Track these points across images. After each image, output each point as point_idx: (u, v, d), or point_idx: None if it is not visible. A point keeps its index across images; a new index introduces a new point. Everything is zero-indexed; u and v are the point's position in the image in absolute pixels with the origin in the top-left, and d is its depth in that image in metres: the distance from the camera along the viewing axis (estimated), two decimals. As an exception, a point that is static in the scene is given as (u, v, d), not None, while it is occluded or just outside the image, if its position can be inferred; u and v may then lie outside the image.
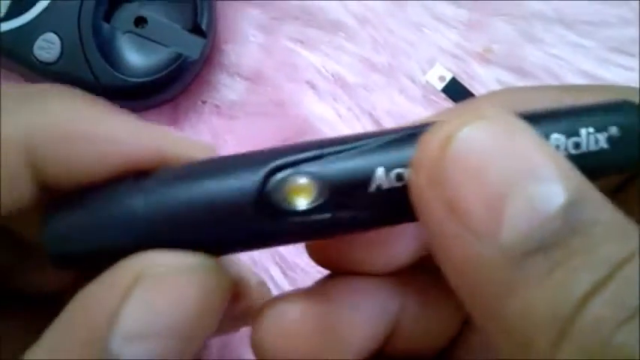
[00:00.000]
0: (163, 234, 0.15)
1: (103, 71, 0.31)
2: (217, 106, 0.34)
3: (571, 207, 0.13)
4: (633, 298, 0.12)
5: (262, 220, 0.15)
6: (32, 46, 0.31)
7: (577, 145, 0.15)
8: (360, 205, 0.15)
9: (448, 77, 0.34)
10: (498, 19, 0.34)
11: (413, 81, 0.34)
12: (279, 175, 0.15)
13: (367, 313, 0.18)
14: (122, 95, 0.32)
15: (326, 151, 0.15)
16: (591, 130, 0.15)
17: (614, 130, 0.15)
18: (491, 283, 0.13)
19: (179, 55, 0.32)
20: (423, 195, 0.14)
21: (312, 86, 0.34)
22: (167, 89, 0.32)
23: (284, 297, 0.18)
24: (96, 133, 0.16)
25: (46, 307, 0.18)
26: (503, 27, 0.34)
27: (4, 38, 0.31)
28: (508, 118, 0.14)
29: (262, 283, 0.25)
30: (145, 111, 0.34)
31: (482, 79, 0.34)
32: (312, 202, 0.15)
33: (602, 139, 0.15)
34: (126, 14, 0.32)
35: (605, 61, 0.34)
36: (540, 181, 0.13)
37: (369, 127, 0.34)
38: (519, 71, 0.34)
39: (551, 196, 0.13)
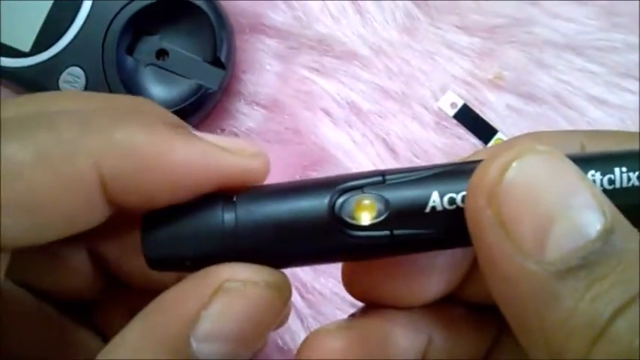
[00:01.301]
0: (248, 246, 0.17)
1: (127, 103, 0.32)
2: (235, 134, 0.35)
3: (607, 233, 0.15)
4: None
5: (332, 234, 0.17)
6: (57, 80, 0.32)
7: (611, 182, 0.17)
8: (416, 225, 0.17)
9: (460, 104, 0.35)
10: (510, 46, 0.35)
11: (425, 108, 0.35)
12: (348, 195, 0.17)
13: (400, 344, 0.20)
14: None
15: (388, 177, 0.17)
16: (624, 169, 0.17)
17: None
18: (536, 296, 0.15)
19: (199, 87, 0.33)
20: (479, 214, 0.16)
21: (328, 113, 0.35)
22: (188, 119, 0.33)
23: (326, 328, 0.20)
24: (165, 161, 0.17)
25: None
26: (514, 54, 0.35)
27: (30, 72, 0.32)
28: (557, 154, 0.16)
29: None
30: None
31: (492, 105, 0.35)
32: (374, 218, 0.17)
33: (633, 177, 0.17)
34: (148, 47, 0.33)
35: (614, 85, 0.35)
36: (582, 209, 0.15)
37: (382, 153, 0.35)
38: (529, 97, 0.35)
39: (591, 222, 0.15)
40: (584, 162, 0.17)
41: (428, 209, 0.17)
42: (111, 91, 0.32)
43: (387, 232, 0.17)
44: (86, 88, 0.32)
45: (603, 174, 0.17)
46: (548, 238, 0.15)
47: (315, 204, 0.17)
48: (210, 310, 0.16)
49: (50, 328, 0.22)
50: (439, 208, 0.17)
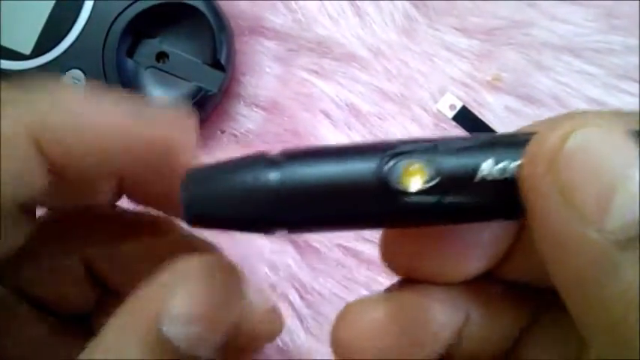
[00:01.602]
0: (292, 207, 0.17)
1: (127, 106, 0.32)
2: (235, 136, 0.36)
3: None
4: None
5: (379, 197, 0.17)
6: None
7: None
8: (466, 193, 0.17)
9: (459, 106, 0.35)
10: (508, 48, 0.35)
11: (424, 110, 0.35)
12: (398, 159, 0.17)
13: (438, 319, 0.20)
14: (145, 128, 0.33)
15: (440, 142, 0.17)
16: None
17: None
18: (596, 265, 0.15)
19: (199, 89, 0.33)
20: (538, 181, 0.15)
21: (327, 115, 0.35)
22: (188, 121, 0.33)
23: (364, 300, 0.20)
24: (100, 124, 0.18)
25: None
26: (512, 56, 0.35)
27: (30, 76, 0.32)
28: (617, 127, 0.16)
29: (273, 310, 0.25)
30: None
31: (491, 107, 0.35)
32: (424, 184, 0.16)
33: None
34: (148, 50, 0.33)
35: (612, 87, 0.35)
36: None
37: (382, 154, 0.35)
38: (528, 98, 0.35)
39: None
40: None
41: (478, 178, 0.16)
42: (111, 94, 0.32)
43: (435, 199, 0.17)
44: (87, 91, 0.32)
45: None
46: (609, 206, 0.15)
47: (363, 166, 0.17)
48: (176, 296, 0.17)
49: (46, 336, 0.23)
50: (490, 177, 0.16)
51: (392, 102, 0.35)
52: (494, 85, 0.35)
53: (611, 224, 0.14)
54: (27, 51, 0.32)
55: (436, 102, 0.35)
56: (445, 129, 0.35)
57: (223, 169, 0.17)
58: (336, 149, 0.17)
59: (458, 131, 0.35)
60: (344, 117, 0.35)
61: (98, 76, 0.32)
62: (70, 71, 0.32)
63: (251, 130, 0.36)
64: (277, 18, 0.36)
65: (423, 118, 0.35)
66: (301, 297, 0.34)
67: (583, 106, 0.35)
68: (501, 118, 0.35)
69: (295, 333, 0.34)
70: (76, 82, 0.32)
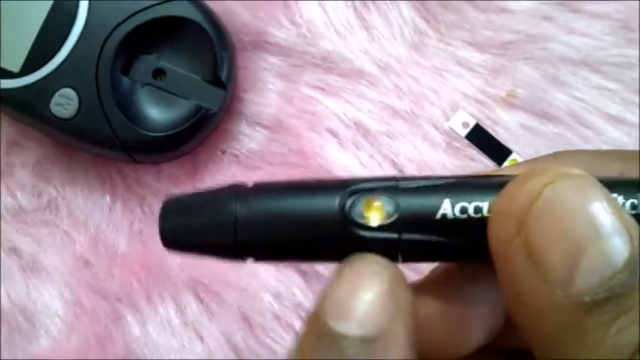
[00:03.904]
0: (255, 240, 0.18)
1: (122, 126, 0.30)
2: (237, 156, 0.34)
3: (634, 261, 0.14)
4: None
5: (340, 231, 0.17)
6: (49, 102, 0.30)
7: (634, 207, 0.17)
8: (425, 231, 0.17)
9: (472, 123, 0.34)
10: (523, 62, 0.34)
11: (436, 128, 0.34)
12: (359, 195, 0.17)
13: None
14: (141, 150, 0.31)
15: (400, 182, 0.17)
16: None
17: None
18: (562, 327, 0.14)
19: (199, 107, 0.31)
20: (506, 242, 0.15)
21: (334, 134, 0.34)
22: (187, 142, 0.32)
23: None
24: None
25: None
26: (527, 71, 0.34)
27: (20, 94, 0.30)
28: (589, 179, 0.15)
29: None
30: (163, 163, 0.33)
31: (506, 125, 0.34)
32: (383, 220, 0.17)
33: None
34: (144, 66, 0.31)
35: (631, 103, 0.34)
36: (611, 236, 0.14)
37: (391, 175, 0.33)
38: (544, 115, 0.34)
39: (619, 250, 0.14)
40: (611, 185, 0.17)
41: (438, 216, 0.17)
42: (105, 114, 0.30)
43: (394, 235, 0.17)
44: (79, 111, 0.30)
45: (626, 198, 0.17)
46: (577, 268, 0.14)
47: (326, 201, 0.17)
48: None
49: None
50: (450, 216, 0.17)
51: (402, 120, 0.34)
52: (509, 102, 0.34)
53: (578, 287, 0.14)
54: (16, 69, 0.30)
55: (448, 120, 0.34)
56: (458, 148, 0.33)
57: (196, 200, 0.18)
58: (304, 184, 0.18)
59: (471, 150, 0.33)
60: (351, 136, 0.34)
61: (91, 95, 0.30)
62: (61, 90, 0.30)
63: (254, 151, 0.34)
64: (281, 32, 0.34)
65: (435, 136, 0.34)
66: (305, 296, 0.33)
67: (602, 123, 0.34)
68: (517, 137, 0.34)
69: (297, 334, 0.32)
70: (68, 101, 0.30)
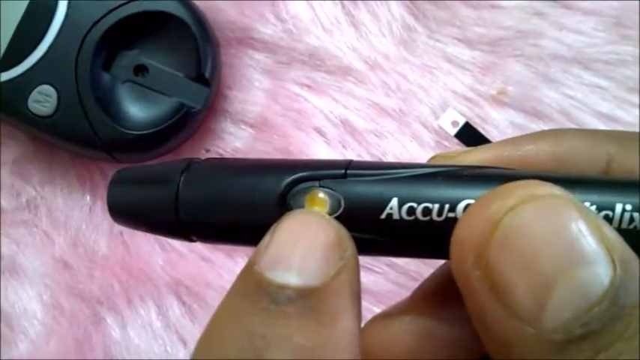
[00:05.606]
0: (199, 217, 0.17)
1: (102, 124, 0.29)
2: (221, 155, 0.33)
3: (615, 289, 0.13)
4: None
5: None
6: (27, 99, 0.29)
7: (608, 220, 0.15)
8: (369, 230, 0.16)
9: (461, 122, 0.33)
10: (514, 60, 0.33)
11: (425, 126, 0.33)
12: (302, 185, 0.16)
13: None
14: (122, 148, 0.30)
15: (350, 171, 0.16)
16: (628, 207, 0.15)
17: None
18: None
19: (182, 105, 0.30)
20: (467, 274, 0.14)
21: (321, 133, 0.33)
22: (169, 141, 0.31)
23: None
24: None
25: None
26: (518, 68, 0.33)
27: (-3, 91, 0.29)
28: (561, 200, 0.14)
29: None
30: (145, 162, 0.32)
31: (496, 123, 0.33)
32: (327, 214, 0.16)
33: (637, 218, 0.15)
34: (125, 62, 0.31)
35: (623, 101, 0.33)
36: (586, 265, 0.13)
37: (380, 174, 0.33)
38: (535, 114, 0.33)
39: (598, 278, 0.13)
40: (584, 190, 0.15)
41: (384, 216, 0.16)
42: (85, 112, 0.29)
43: None
44: (58, 108, 0.29)
45: (600, 209, 0.15)
46: (547, 302, 0.13)
47: (269, 187, 0.16)
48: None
49: None
50: (396, 216, 0.16)
51: (390, 118, 0.33)
52: (499, 100, 0.33)
53: (550, 323, 0.13)
54: (-7, 65, 0.29)
55: (437, 118, 0.33)
56: (447, 147, 0.33)
57: (146, 173, 0.18)
58: (255, 164, 0.17)
59: (461, 149, 0.33)
60: (338, 134, 0.33)
61: (71, 92, 0.29)
62: (39, 87, 0.29)
63: (238, 150, 0.33)
64: (267, 28, 0.33)
65: (424, 135, 0.33)
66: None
67: (593, 121, 0.33)
68: (507, 135, 0.33)
69: None
70: (47, 98, 0.29)
